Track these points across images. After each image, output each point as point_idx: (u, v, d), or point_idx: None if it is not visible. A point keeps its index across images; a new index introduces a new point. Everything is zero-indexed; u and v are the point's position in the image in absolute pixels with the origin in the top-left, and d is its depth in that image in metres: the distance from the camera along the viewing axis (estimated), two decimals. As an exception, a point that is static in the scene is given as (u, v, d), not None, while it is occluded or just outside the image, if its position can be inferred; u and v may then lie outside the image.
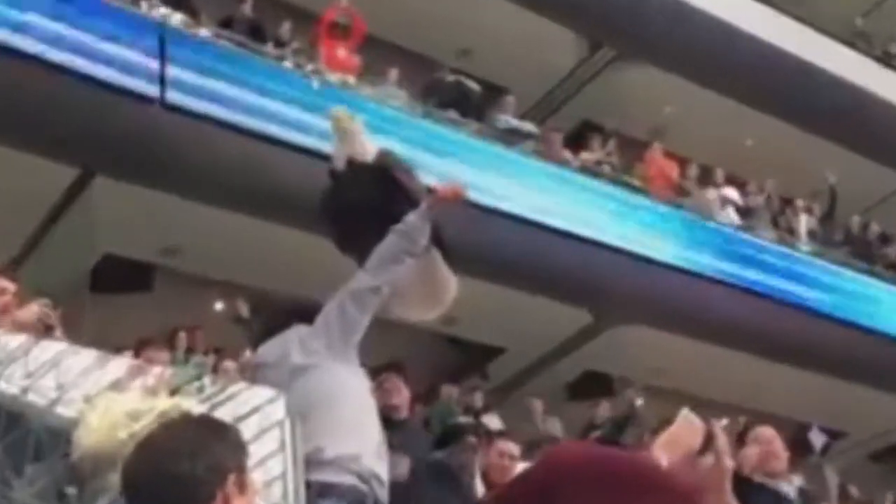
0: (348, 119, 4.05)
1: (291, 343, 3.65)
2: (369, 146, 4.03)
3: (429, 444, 4.94)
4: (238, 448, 1.78)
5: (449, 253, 4.05)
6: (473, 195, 10.25)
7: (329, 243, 4.11)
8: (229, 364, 7.46)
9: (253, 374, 3.73)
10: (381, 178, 3.96)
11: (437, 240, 3.95)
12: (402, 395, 4.73)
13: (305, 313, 3.76)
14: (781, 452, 4.15)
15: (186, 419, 1.98)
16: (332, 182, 4.06)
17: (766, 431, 4.23)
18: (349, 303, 3.67)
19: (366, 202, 3.91)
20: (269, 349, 3.73)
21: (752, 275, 12.43)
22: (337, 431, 3.43)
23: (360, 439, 3.51)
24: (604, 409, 11.28)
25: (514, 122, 12.36)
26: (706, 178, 13.96)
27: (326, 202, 4.08)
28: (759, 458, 4.08)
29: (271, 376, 3.54)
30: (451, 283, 4.08)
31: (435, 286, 4.05)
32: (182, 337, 9.33)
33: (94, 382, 2.72)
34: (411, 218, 3.78)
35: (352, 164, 3.99)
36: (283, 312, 3.87)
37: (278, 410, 3.00)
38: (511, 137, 11.85)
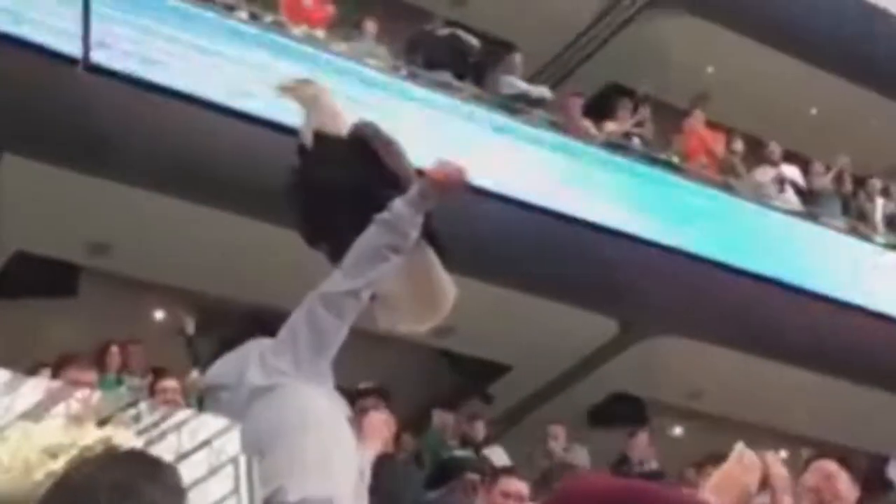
0: (304, 86, 4.02)
1: (250, 360, 3.64)
2: (341, 115, 4.02)
3: (420, 483, 4.96)
4: (175, 492, 1.79)
5: (443, 250, 4.03)
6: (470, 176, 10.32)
7: (298, 239, 4.10)
8: (169, 384, 7.48)
9: (203, 399, 3.72)
10: (357, 153, 3.90)
11: (430, 233, 3.94)
12: (385, 424, 4.73)
13: (268, 324, 3.75)
14: (846, 492, 4.18)
15: (112, 456, 1.98)
16: (300, 161, 4.06)
17: (827, 466, 4.26)
18: (321, 309, 3.62)
19: (338, 184, 3.87)
20: (223, 368, 3.73)
21: (816, 275, 12.46)
22: (303, 468, 3.41)
23: (331, 478, 3.49)
24: (641, 442, 11.25)
25: (523, 86, 12.37)
26: (759, 154, 13.99)
27: (292, 185, 4.07)
28: (816, 498, 4.11)
29: (225, 401, 3.53)
30: (449, 287, 4.06)
31: (430, 290, 4.02)
32: (114, 353, 9.33)
33: (5, 409, 2.72)
34: (398, 206, 3.70)
35: (320, 137, 3.98)
36: (240, 323, 3.86)
37: (232, 444, 3.00)
38: (518, 104, 11.87)
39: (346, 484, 3.53)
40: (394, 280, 3.83)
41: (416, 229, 3.75)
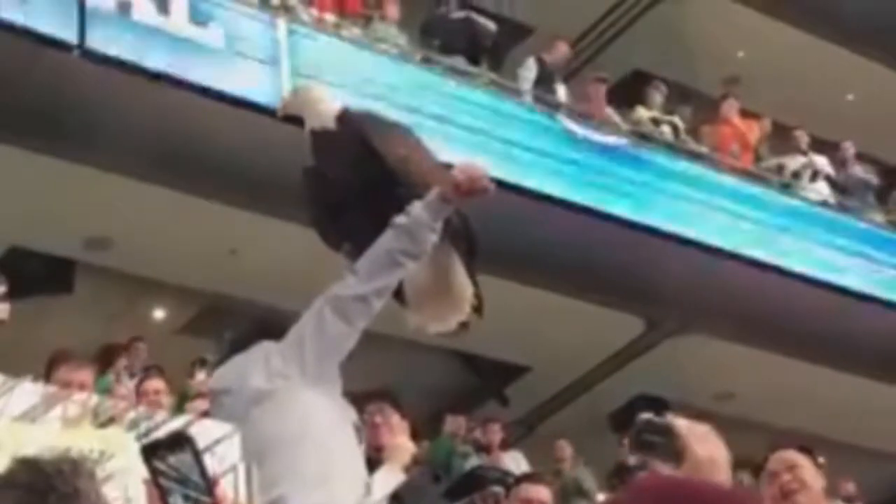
0: (306, 88, 4.05)
1: (253, 364, 3.66)
2: (326, 109, 4.01)
3: (435, 496, 4.96)
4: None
5: (475, 255, 4.02)
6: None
7: (300, 233, 4.12)
8: (154, 385, 7.52)
9: (209, 404, 3.75)
10: (348, 146, 3.90)
11: (468, 235, 3.94)
12: (395, 432, 4.75)
13: (274, 328, 3.76)
14: (812, 480, 4.24)
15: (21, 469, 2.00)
16: (311, 167, 4.08)
17: (790, 455, 4.33)
18: (329, 313, 3.63)
19: (340, 182, 3.89)
20: (227, 372, 3.75)
21: (851, 272, 12.43)
22: (304, 478, 3.41)
23: (333, 489, 3.51)
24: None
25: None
26: (787, 142, 13.94)
27: (304, 186, 4.09)
28: (780, 489, 4.20)
29: (227, 405, 3.56)
30: (468, 291, 4.06)
31: (450, 292, 4.04)
32: (120, 356, 9.35)
33: (-1, 414, 2.75)
34: (417, 210, 3.68)
35: (315, 136, 3.94)
36: (246, 327, 3.88)
37: (233, 451, 3.03)
38: (536, 91, 11.85)
39: (351, 493, 3.54)
40: (419, 280, 3.84)
41: (435, 234, 3.73)
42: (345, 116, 3.95)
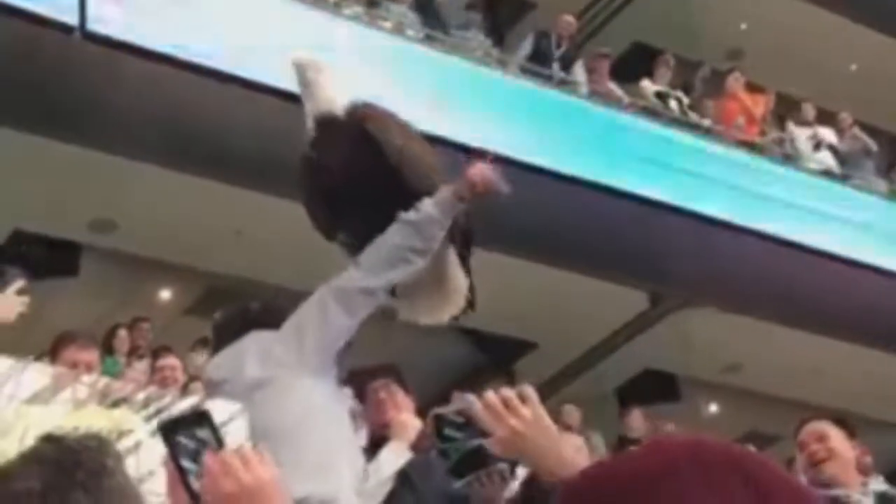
0: (314, 67, 4.00)
1: (248, 352, 3.67)
2: (335, 99, 3.98)
3: (442, 472, 4.98)
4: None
5: (470, 249, 4.03)
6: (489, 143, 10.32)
7: (306, 214, 4.13)
8: (170, 361, 7.51)
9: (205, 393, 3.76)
10: (359, 139, 3.89)
11: (457, 228, 3.93)
12: (401, 408, 4.76)
13: (269, 317, 3.78)
14: (841, 450, 4.30)
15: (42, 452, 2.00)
16: (310, 150, 4.06)
17: (820, 426, 4.38)
18: (333, 303, 3.65)
19: (345, 172, 3.88)
20: (222, 362, 3.76)
21: (857, 241, 12.41)
22: (304, 466, 3.42)
23: (332, 476, 3.52)
24: (635, 419, 11.11)
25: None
26: (792, 114, 13.92)
27: (302, 175, 4.07)
28: (809, 459, 4.25)
29: (227, 394, 3.57)
30: (462, 284, 4.06)
31: (445, 286, 4.04)
32: (122, 336, 9.38)
33: (9, 397, 2.76)
34: (428, 207, 3.71)
35: (321, 122, 3.94)
36: (239, 316, 3.88)
37: (240, 431, 3.04)
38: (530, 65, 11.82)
39: (347, 480, 3.57)
40: (413, 274, 3.84)
41: (444, 231, 3.76)
42: (352, 108, 3.94)
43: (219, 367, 3.75)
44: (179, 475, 1.83)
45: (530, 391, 2.34)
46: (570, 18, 12.56)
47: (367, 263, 3.71)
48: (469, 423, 2.37)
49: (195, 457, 1.82)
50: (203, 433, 1.84)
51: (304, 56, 3.94)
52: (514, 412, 2.31)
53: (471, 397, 2.31)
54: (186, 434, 1.83)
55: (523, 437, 2.28)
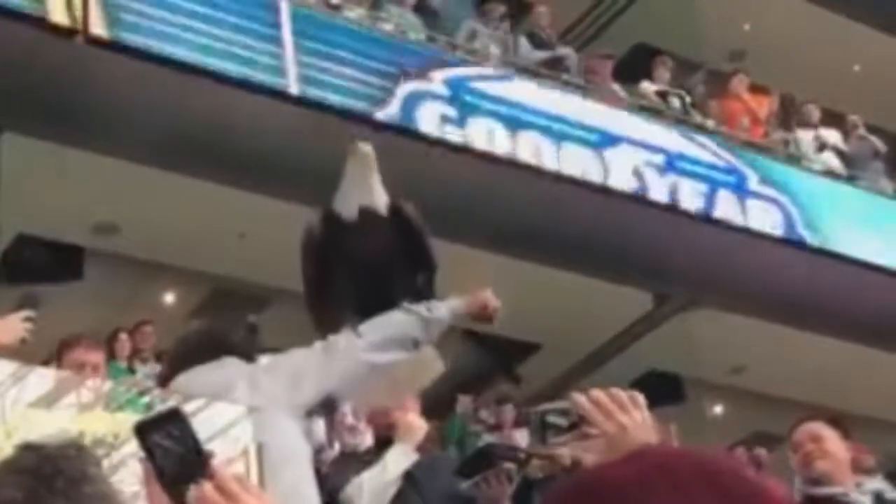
0: (371, 157, 4.11)
1: (235, 378, 3.72)
2: (380, 189, 4.15)
3: (448, 473, 4.99)
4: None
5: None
6: (491, 145, 10.32)
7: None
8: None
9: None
10: (399, 232, 4.15)
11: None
12: (406, 409, 4.78)
13: (246, 347, 3.87)
14: (836, 451, 4.31)
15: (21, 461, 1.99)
16: (326, 226, 4.16)
17: (815, 427, 4.37)
18: (335, 369, 3.82)
19: (375, 258, 4.11)
20: (201, 380, 3.76)
21: (863, 242, 12.40)
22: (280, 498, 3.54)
23: None
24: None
25: (537, 54, 12.28)
26: (796, 115, 13.92)
27: (313, 247, 4.18)
28: (803, 459, 4.27)
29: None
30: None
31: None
32: (123, 340, 9.39)
33: (13, 400, 2.76)
34: (443, 312, 4.00)
35: (365, 213, 4.12)
36: (212, 339, 3.94)
37: (245, 433, 3.04)
38: (542, 67, 11.82)
39: None
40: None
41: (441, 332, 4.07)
42: (397, 209, 4.18)
43: (198, 385, 3.75)
44: (156, 475, 1.83)
45: (639, 395, 2.39)
46: (543, 9, 12.63)
47: (374, 338, 3.89)
48: (573, 420, 2.38)
49: (171, 456, 1.82)
50: (178, 431, 1.84)
51: (369, 148, 4.09)
52: (624, 411, 2.32)
53: (576, 395, 2.35)
54: (162, 433, 1.83)
55: (630, 437, 2.29)
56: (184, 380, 3.76)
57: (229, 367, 3.77)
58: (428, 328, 3.99)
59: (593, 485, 1.35)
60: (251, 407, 3.61)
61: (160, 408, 2.76)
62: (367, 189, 4.12)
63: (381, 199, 4.14)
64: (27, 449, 1.96)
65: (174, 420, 1.84)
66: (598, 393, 2.36)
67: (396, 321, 3.95)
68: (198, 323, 7.27)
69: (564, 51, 12.49)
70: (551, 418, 2.41)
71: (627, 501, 1.30)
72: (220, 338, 3.93)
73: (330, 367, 3.82)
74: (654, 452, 1.38)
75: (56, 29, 8.87)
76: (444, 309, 4.02)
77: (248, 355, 3.88)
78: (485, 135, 10.36)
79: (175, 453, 1.81)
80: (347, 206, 4.12)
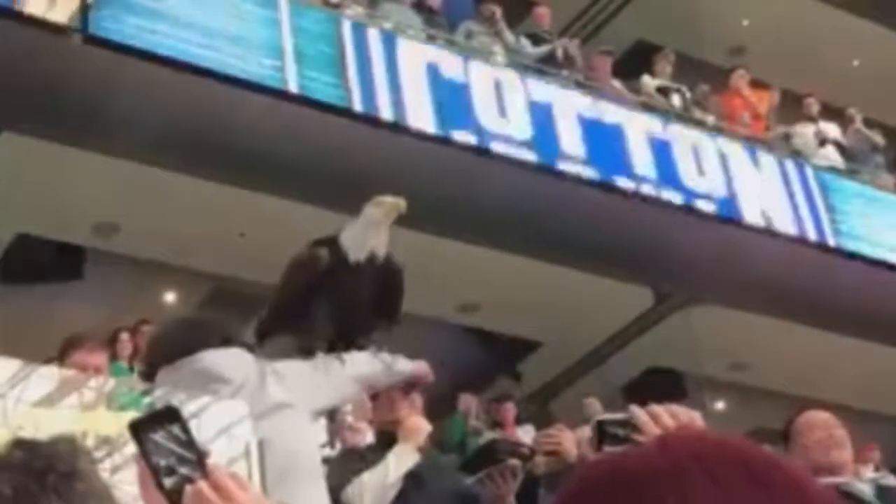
0: (396, 209, 4.19)
1: (264, 370, 3.75)
2: (385, 240, 4.26)
3: (451, 469, 5.00)
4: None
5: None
6: (484, 139, 10.32)
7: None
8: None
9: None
10: (385, 282, 4.27)
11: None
12: (414, 408, 4.80)
13: (238, 336, 3.92)
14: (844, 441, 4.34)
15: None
16: (334, 261, 4.18)
17: (824, 416, 4.42)
18: (348, 380, 4.03)
19: (363, 301, 4.23)
20: (227, 361, 3.75)
21: (864, 236, 12.39)
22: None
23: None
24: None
25: (534, 50, 12.28)
26: (796, 110, 13.91)
27: (314, 273, 4.24)
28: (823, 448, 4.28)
29: (224, 396, 3.59)
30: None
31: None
32: (124, 340, 9.39)
33: (16, 400, 2.76)
34: (401, 366, 4.16)
35: (370, 260, 4.21)
36: (223, 326, 3.96)
37: (247, 431, 3.04)
38: (542, 64, 11.81)
39: None
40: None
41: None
42: (389, 260, 4.29)
43: (235, 368, 3.72)
44: (151, 474, 1.82)
45: (697, 414, 2.44)
46: (543, 10, 12.65)
47: (351, 372, 4.04)
48: (632, 432, 2.39)
49: (166, 454, 1.81)
50: (174, 431, 1.83)
51: (396, 201, 4.18)
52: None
53: (634, 408, 2.38)
54: (157, 432, 1.82)
55: None
56: (216, 356, 3.76)
57: (248, 358, 3.81)
58: (388, 375, 4.15)
59: (624, 475, 1.31)
60: (281, 403, 3.66)
61: (190, 410, 2.76)
62: (381, 240, 4.23)
63: (384, 250, 4.24)
64: (18, 445, 1.95)
65: (170, 418, 1.84)
66: (656, 408, 2.39)
67: (368, 362, 4.10)
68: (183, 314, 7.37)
69: (562, 41, 12.47)
70: (610, 428, 2.43)
71: (662, 492, 1.27)
72: (224, 326, 3.95)
73: (333, 382, 3.97)
74: (684, 439, 1.36)
75: (56, 29, 8.87)
76: (404, 364, 4.18)
77: (251, 348, 3.94)
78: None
79: (170, 452, 1.80)
80: (357, 249, 4.20)
